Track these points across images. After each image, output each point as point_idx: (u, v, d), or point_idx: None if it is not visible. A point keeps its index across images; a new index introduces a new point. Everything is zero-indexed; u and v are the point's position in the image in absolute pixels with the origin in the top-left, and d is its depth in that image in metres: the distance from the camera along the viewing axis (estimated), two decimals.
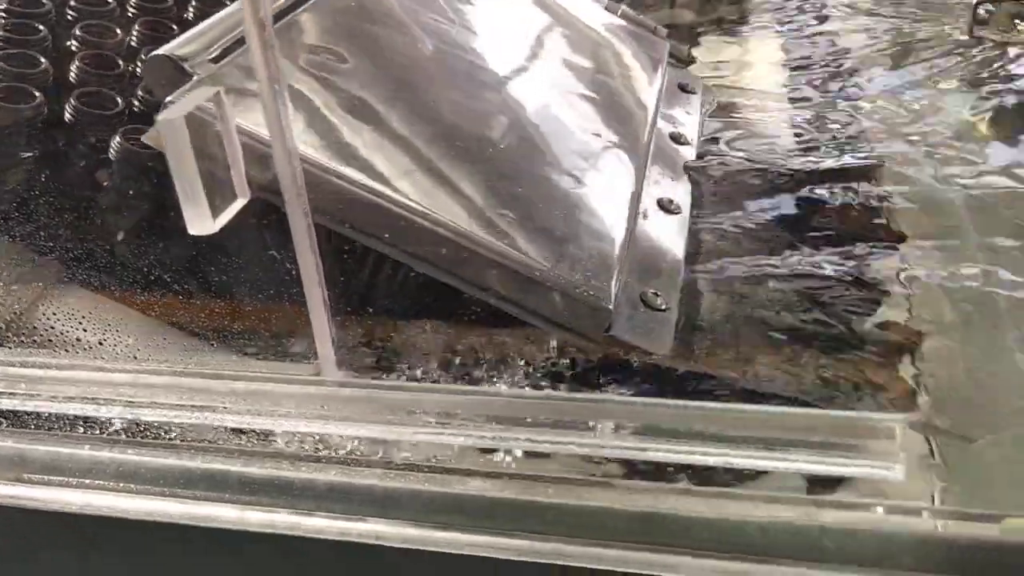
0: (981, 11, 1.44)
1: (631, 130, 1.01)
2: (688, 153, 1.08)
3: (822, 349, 0.80)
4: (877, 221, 1.00)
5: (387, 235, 0.69)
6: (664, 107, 1.15)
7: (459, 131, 0.84)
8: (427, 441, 0.52)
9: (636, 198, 0.91)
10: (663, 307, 0.81)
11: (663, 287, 0.83)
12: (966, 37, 1.45)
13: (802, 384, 0.75)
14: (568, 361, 0.72)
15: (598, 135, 0.96)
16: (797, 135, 1.21)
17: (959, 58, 1.40)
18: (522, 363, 0.70)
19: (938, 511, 0.46)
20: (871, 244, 0.95)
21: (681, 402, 0.50)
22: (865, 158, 1.13)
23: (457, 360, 0.69)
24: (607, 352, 0.76)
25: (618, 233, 0.83)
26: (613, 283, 0.77)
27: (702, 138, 1.14)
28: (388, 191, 0.71)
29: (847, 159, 1.13)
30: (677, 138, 1.10)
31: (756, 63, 1.50)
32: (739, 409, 0.49)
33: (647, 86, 1.13)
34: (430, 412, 0.53)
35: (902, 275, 0.90)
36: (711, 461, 0.48)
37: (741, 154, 1.13)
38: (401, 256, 0.71)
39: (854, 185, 1.06)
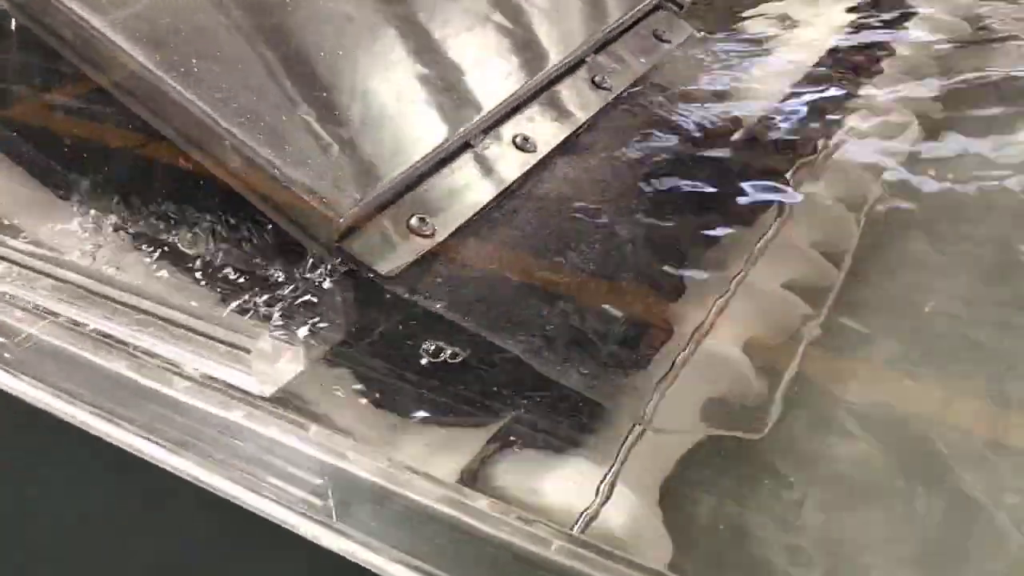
0: None
1: (523, 65, 0.98)
2: (601, 98, 1.03)
3: (563, 309, 0.76)
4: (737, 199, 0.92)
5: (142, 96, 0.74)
6: (613, 50, 1.10)
7: (293, 32, 0.86)
8: None
9: (474, 129, 0.89)
10: (426, 234, 0.80)
11: (445, 217, 0.82)
12: None
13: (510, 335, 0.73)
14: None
15: (470, 64, 0.94)
16: (770, 103, 1.12)
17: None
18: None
19: None
20: (710, 225, 0.88)
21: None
22: (802, 137, 1.04)
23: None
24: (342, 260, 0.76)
25: (411, 156, 0.82)
26: (362, 199, 0.77)
27: (637, 86, 1.08)
28: (147, 55, 0.75)
29: (783, 133, 1.04)
30: (599, 83, 1.05)
31: (815, 26, 1.38)
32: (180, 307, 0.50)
33: (586, 26, 1.08)
34: None
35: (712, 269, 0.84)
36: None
37: (671, 109, 1.06)
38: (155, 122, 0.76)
39: (758, 159, 0.98)
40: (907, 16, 1.32)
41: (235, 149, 0.75)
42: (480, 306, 0.76)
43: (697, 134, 1.01)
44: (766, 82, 1.16)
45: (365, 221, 0.78)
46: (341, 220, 0.75)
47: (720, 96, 1.08)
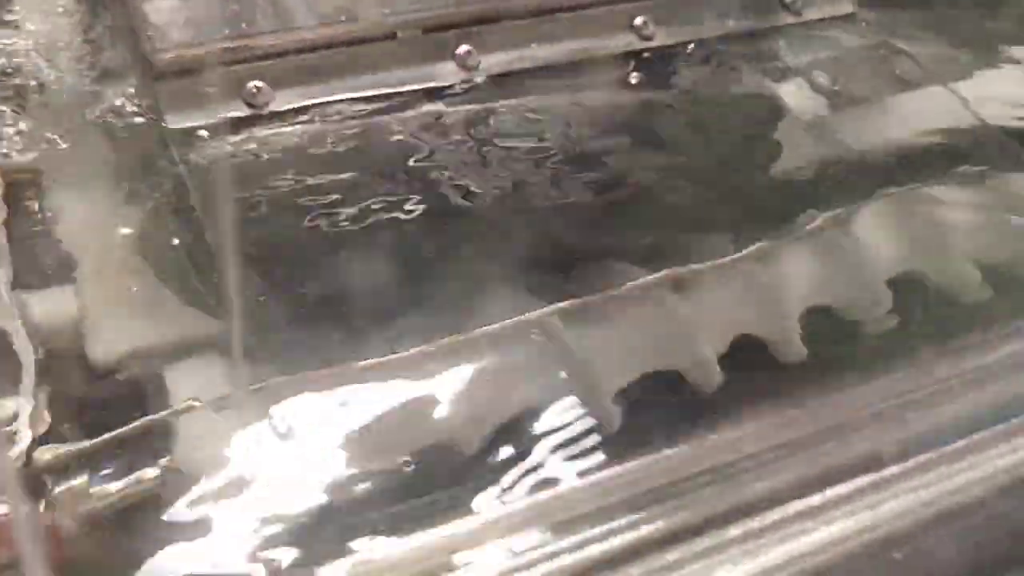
0: None
1: None
2: (621, 43, 0.86)
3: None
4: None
5: None
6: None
7: None
8: None
9: (399, 23, 0.79)
10: (256, 105, 0.74)
11: (286, 97, 0.75)
12: None
13: None
14: None
15: None
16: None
17: None
18: None
19: None
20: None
21: None
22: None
23: None
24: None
25: (288, 21, 0.76)
26: (198, 42, 0.73)
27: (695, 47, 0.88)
28: None
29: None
30: (639, 26, 0.87)
31: None
32: None
33: None
34: None
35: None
36: None
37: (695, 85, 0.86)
38: None
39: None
40: None
41: None
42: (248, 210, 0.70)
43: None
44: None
45: (198, 70, 0.74)
46: (157, 56, 0.73)
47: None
